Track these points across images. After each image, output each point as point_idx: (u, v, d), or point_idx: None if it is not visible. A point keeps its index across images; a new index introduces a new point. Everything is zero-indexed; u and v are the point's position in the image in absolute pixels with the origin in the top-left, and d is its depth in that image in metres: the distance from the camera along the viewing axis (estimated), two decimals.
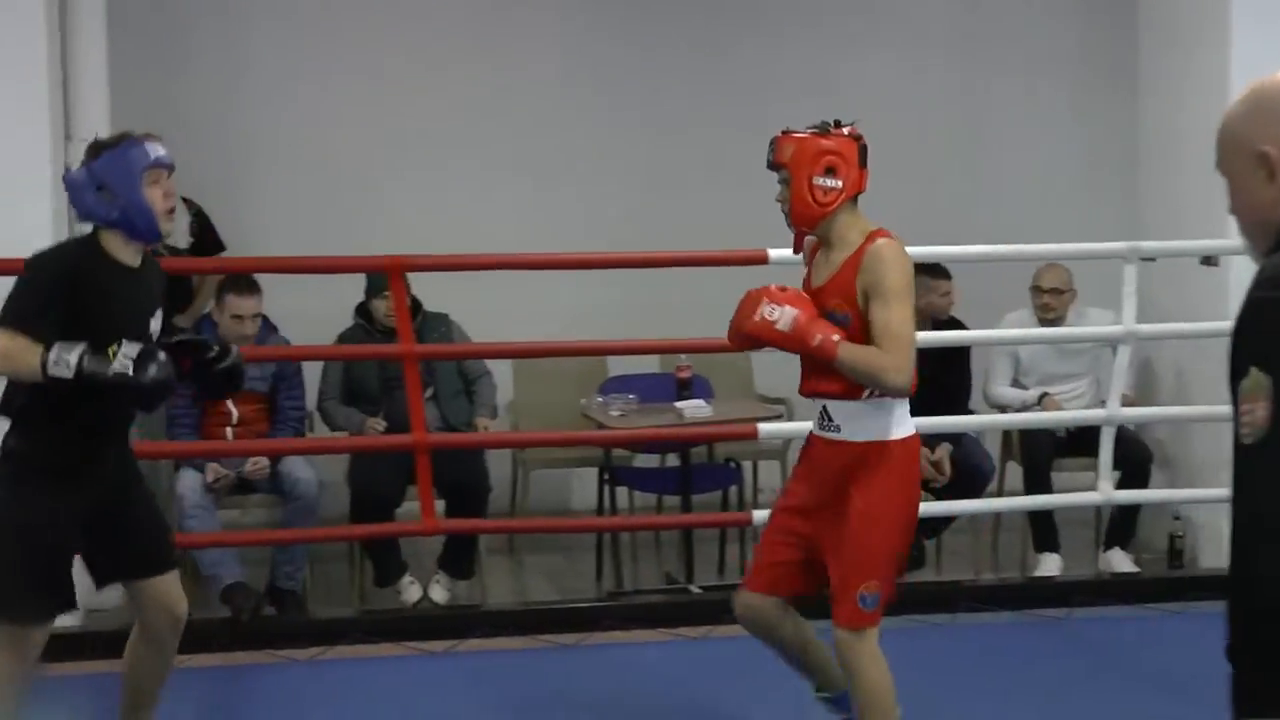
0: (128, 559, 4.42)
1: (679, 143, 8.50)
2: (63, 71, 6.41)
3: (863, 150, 4.35)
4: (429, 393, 6.64)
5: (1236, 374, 2.14)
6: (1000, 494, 7.54)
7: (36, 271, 4.18)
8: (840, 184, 4.28)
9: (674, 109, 8.54)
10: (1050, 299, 7.23)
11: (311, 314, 7.14)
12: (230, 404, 6.70)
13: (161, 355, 4.09)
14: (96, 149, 4.25)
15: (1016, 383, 7.41)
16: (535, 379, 7.82)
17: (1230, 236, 6.60)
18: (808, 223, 4.35)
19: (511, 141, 8.32)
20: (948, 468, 7.10)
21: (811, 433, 4.48)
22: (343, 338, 7.00)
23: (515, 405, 7.87)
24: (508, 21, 8.42)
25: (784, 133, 4.40)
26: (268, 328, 6.89)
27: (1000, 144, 8.78)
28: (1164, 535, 7.30)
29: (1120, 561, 7.14)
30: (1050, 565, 7.14)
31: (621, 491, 7.51)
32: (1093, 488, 6.93)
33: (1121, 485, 6.92)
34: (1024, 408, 7.30)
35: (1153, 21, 7.50)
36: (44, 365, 3.95)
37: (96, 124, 6.49)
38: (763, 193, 8.17)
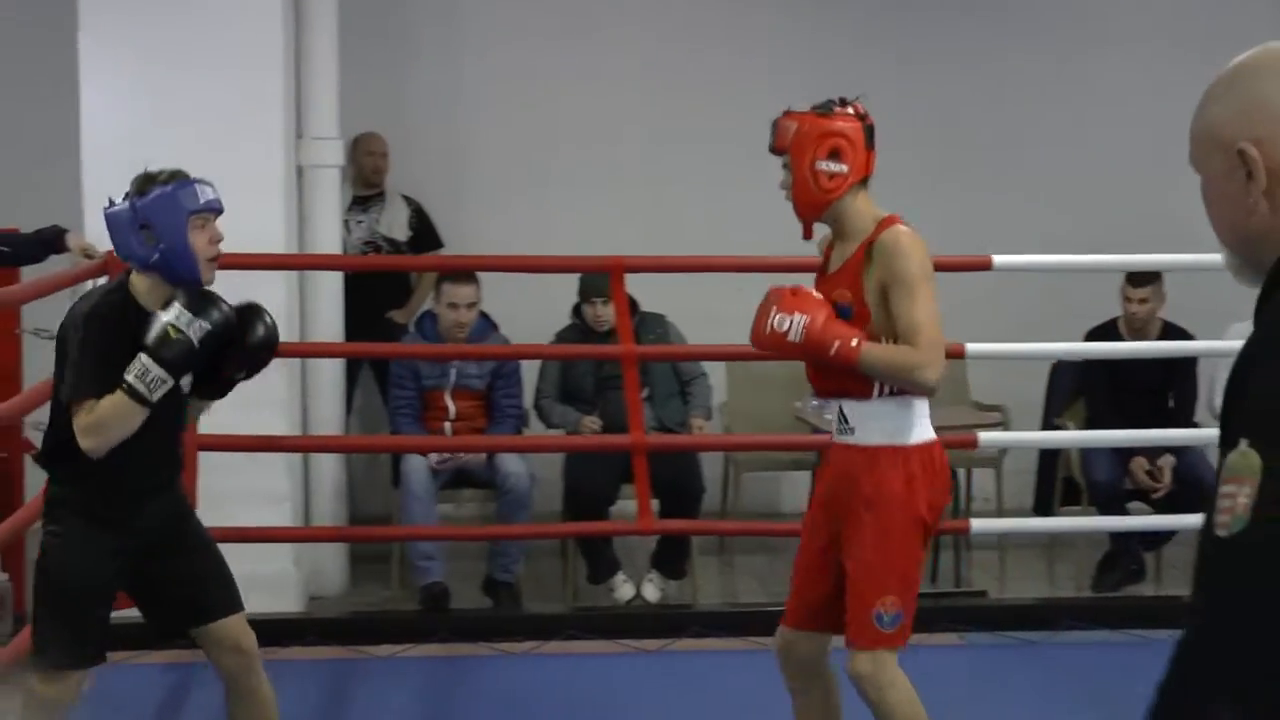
0: (181, 607, 4.18)
1: (907, 148, 8.40)
2: (296, 73, 6.53)
3: (869, 130, 4.03)
4: (644, 393, 6.65)
5: (1225, 442, 1.69)
6: None
7: (85, 334, 3.88)
8: (845, 168, 3.96)
9: (911, 115, 8.45)
10: None
11: (529, 313, 7.19)
12: (448, 398, 6.79)
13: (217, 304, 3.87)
14: (145, 183, 3.99)
15: None
16: (748, 382, 7.78)
17: None
18: (812, 210, 4.05)
19: (735, 143, 8.29)
20: (1168, 477, 6.94)
21: (831, 439, 4.19)
22: (560, 337, 7.04)
23: (728, 407, 7.85)
24: (736, 23, 8.38)
25: (785, 113, 4.10)
26: (488, 325, 6.96)
27: None
28: None
29: None
30: None
31: None
32: None
33: None
34: None
35: None
36: (138, 398, 3.77)
37: (326, 124, 6.64)
38: (996, 197, 8.15)
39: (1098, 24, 8.56)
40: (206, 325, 3.79)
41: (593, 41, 8.15)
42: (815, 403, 6.56)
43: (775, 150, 4.09)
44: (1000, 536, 7.20)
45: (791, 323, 3.94)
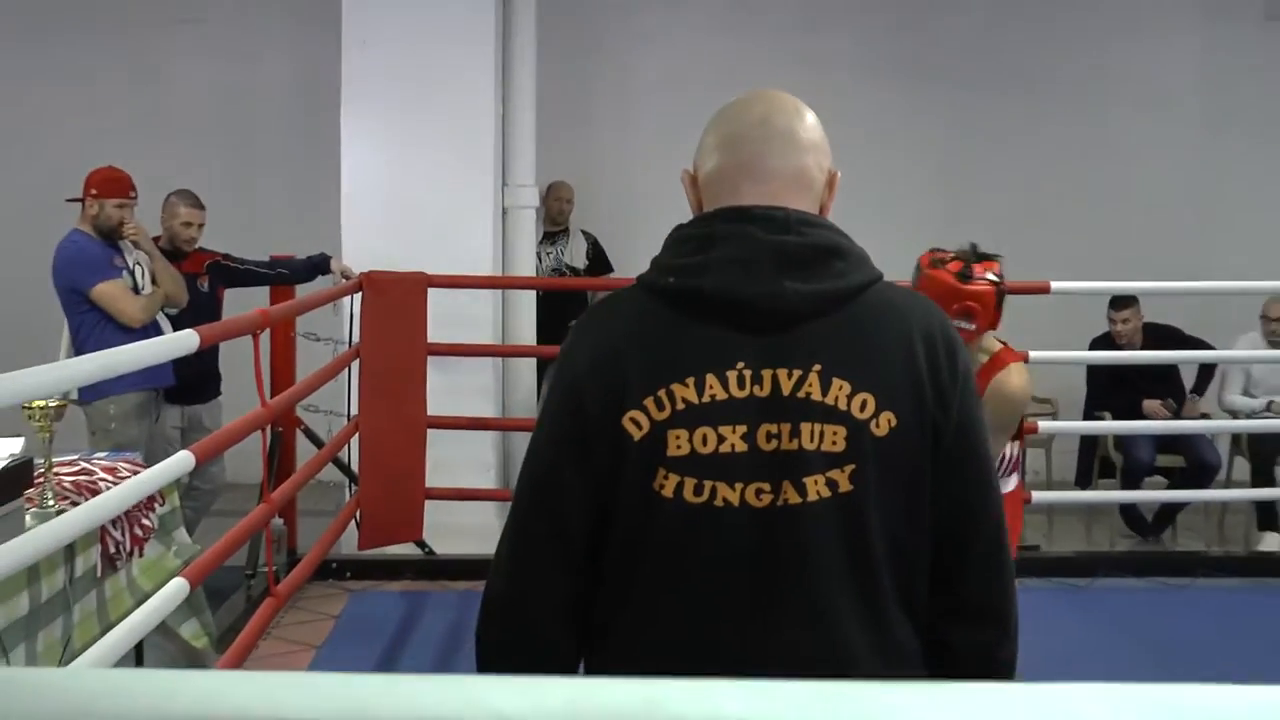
0: None
1: (962, 194, 8.31)
2: (503, 133, 6.55)
3: (1000, 295, 3.42)
4: None
5: None
6: (1229, 484, 7.23)
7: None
8: (974, 327, 3.37)
9: (959, 168, 8.36)
10: (1277, 325, 6.86)
11: None
12: None
13: None
14: None
15: (1247, 393, 7.08)
16: None
17: None
18: None
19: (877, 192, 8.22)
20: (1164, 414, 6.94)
21: None
22: None
23: None
24: (870, 82, 8.27)
25: (930, 260, 3.46)
26: None
27: (1239, 195, 8.35)
28: None
29: None
30: (1271, 542, 6.78)
31: None
32: None
33: None
34: (1252, 414, 6.98)
35: None
36: None
37: (524, 173, 6.67)
38: (1033, 230, 7.97)
39: (1115, 91, 8.39)
40: None
41: (739, 90, 8.09)
42: None
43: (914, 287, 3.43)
44: (1050, 504, 7.07)
45: (966, 323, 3.35)
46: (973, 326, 3.41)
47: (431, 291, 5.90)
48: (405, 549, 6.01)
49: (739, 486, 1.57)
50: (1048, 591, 5.95)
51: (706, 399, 1.58)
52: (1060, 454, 7.55)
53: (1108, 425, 6.97)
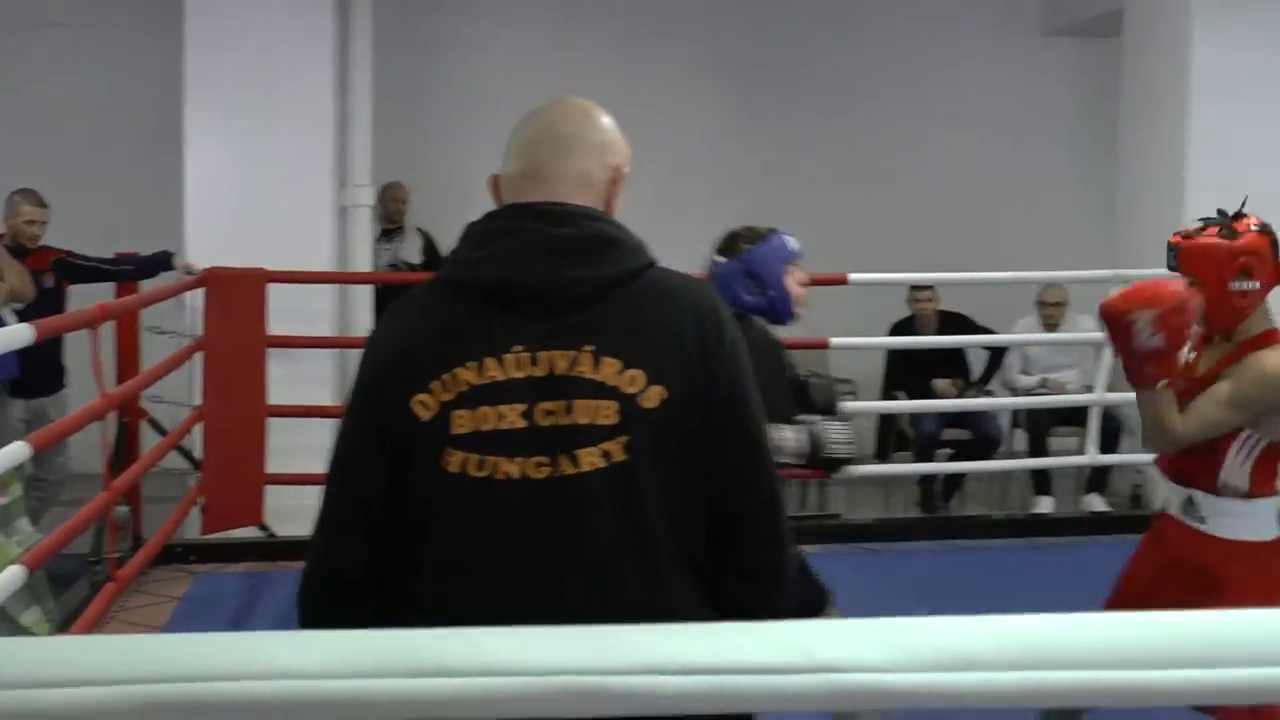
0: None
1: (780, 191, 8.56)
2: (341, 135, 6.57)
3: (1274, 242, 3.00)
4: None
5: None
6: (1010, 455, 7.56)
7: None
8: (1258, 285, 2.96)
9: (778, 168, 8.60)
10: (1052, 310, 7.23)
11: None
12: None
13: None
14: (731, 241, 3.38)
15: (1025, 372, 7.43)
16: None
17: None
18: (1225, 329, 3.03)
19: (657, 186, 8.38)
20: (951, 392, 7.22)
21: (1164, 512, 3.16)
22: None
23: None
24: (659, 85, 8.40)
25: (1183, 238, 3.03)
26: None
27: (1018, 194, 8.75)
28: (1129, 485, 7.31)
29: (1097, 503, 7.12)
30: (1046, 505, 7.14)
31: None
32: (1078, 450, 6.93)
33: (1100, 449, 6.87)
34: (1029, 391, 7.31)
35: (1130, 101, 7.46)
36: None
37: (361, 173, 6.69)
38: (844, 224, 8.24)
39: (919, 99, 8.73)
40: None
41: (570, 94, 8.18)
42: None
43: (1176, 269, 3.05)
44: (851, 476, 7.30)
45: (1149, 333, 2.87)
46: (1257, 285, 2.98)
47: (272, 286, 5.92)
48: (248, 532, 6.02)
49: (519, 461, 1.65)
50: (848, 556, 6.16)
51: (487, 380, 1.66)
52: (860, 430, 7.84)
53: (902, 404, 7.26)
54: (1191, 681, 1.05)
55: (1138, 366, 2.95)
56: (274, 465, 5.97)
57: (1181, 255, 3.01)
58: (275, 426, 5.96)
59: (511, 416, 1.66)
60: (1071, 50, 8.74)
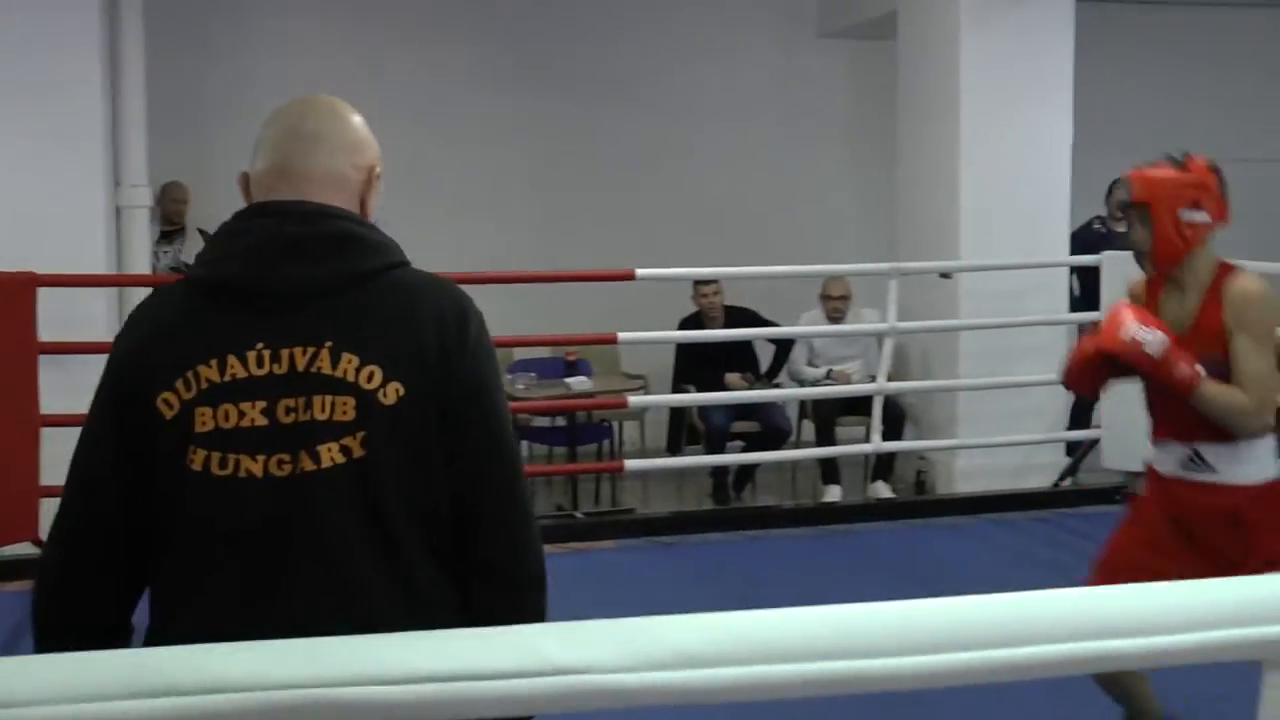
0: None
1: (566, 191, 8.59)
2: (115, 134, 6.36)
3: (1221, 180, 3.16)
4: None
5: None
6: (798, 445, 7.69)
7: None
8: (1208, 218, 3.11)
9: (563, 168, 8.63)
10: (836, 303, 7.39)
11: None
12: None
13: None
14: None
15: (811, 363, 7.58)
16: None
17: (961, 257, 6.97)
18: (1172, 260, 3.13)
19: (443, 187, 8.34)
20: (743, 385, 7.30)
21: (1163, 474, 3.22)
22: None
23: None
24: (448, 100, 8.42)
25: (1136, 170, 3.20)
26: None
27: (800, 191, 8.95)
28: (913, 471, 7.52)
29: (883, 490, 7.28)
30: (833, 494, 7.29)
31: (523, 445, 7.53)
32: (864, 439, 7.12)
33: (884, 437, 7.07)
34: (815, 382, 7.47)
35: (906, 101, 7.70)
36: None
37: (137, 173, 6.47)
38: (630, 222, 8.32)
39: (702, 100, 8.85)
40: None
41: (352, 96, 8.06)
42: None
43: (1128, 205, 3.20)
44: (644, 470, 7.35)
45: (1153, 337, 3.05)
46: (1206, 217, 3.11)
47: (44, 291, 5.66)
48: (23, 548, 5.75)
49: (261, 458, 1.63)
50: (641, 550, 6.21)
51: (229, 378, 1.65)
52: (652, 424, 7.95)
53: (692, 397, 7.34)
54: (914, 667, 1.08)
55: (1171, 373, 3.04)
56: (49, 477, 5.71)
57: (1134, 183, 3.15)
58: (49, 437, 5.71)
59: (253, 414, 1.64)
60: (848, 52, 8.98)
